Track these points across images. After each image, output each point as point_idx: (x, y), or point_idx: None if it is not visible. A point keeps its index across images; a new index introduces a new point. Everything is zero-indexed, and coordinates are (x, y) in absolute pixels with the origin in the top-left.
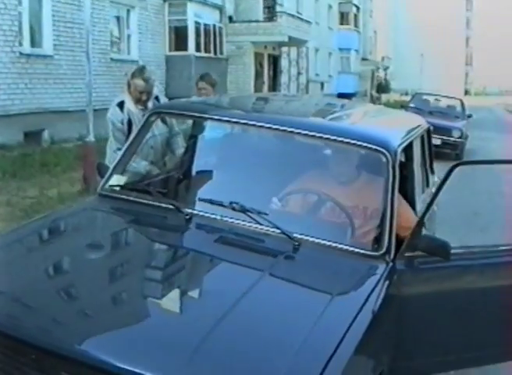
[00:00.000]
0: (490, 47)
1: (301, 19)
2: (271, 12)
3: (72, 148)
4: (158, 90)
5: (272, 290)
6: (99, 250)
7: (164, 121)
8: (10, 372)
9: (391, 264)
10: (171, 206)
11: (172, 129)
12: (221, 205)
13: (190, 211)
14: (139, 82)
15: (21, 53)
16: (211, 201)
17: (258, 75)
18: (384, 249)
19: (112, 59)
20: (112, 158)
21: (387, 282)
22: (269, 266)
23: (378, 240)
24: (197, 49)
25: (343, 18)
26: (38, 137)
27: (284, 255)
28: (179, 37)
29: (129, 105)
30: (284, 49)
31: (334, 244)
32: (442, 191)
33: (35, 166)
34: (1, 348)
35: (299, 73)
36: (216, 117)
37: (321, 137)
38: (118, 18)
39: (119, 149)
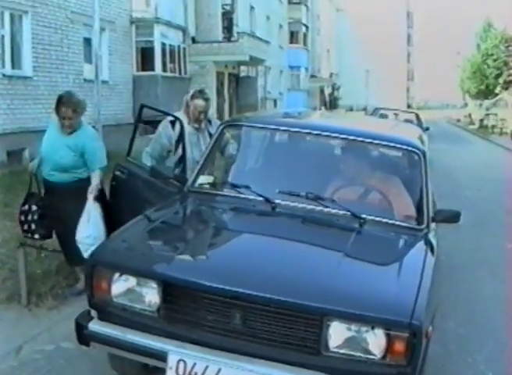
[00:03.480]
0: (430, 62)
1: (260, 39)
2: (229, 32)
3: None
4: (210, 113)
5: (359, 252)
6: (224, 227)
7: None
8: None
9: (428, 234)
10: (259, 198)
11: (227, 139)
12: (298, 195)
13: (277, 201)
14: (200, 102)
15: (4, 75)
16: (290, 193)
17: (219, 93)
18: (425, 224)
19: (85, 80)
20: (145, 158)
21: (430, 246)
22: (350, 236)
23: (420, 217)
24: (164, 69)
25: (293, 37)
26: (19, 156)
27: (356, 230)
28: (145, 57)
29: (184, 124)
30: (243, 68)
31: (390, 221)
32: None
33: None
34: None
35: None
36: (280, 128)
37: (371, 142)
38: (89, 40)
39: (147, 152)
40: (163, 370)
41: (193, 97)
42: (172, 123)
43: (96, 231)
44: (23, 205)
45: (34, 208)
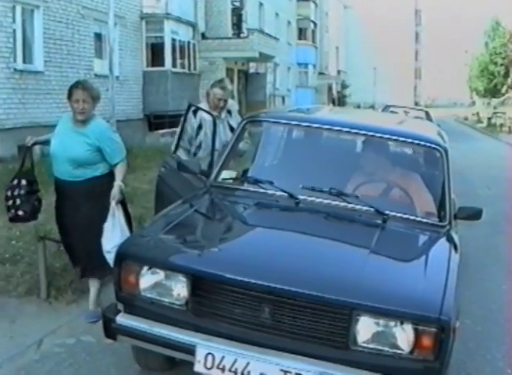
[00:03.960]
0: (438, 60)
1: (270, 36)
2: (238, 29)
3: None
4: (230, 104)
5: (385, 248)
6: (249, 222)
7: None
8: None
9: (451, 231)
10: (283, 193)
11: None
12: (321, 191)
13: (300, 196)
14: (217, 90)
15: (15, 69)
16: (313, 189)
17: None
18: (448, 220)
19: (95, 75)
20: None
21: (453, 242)
22: (374, 232)
23: (443, 214)
24: (173, 65)
25: (301, 33)
26: (30, 151)
27: (380, 226)
28: (155, 53)
29: (204, 112)
30: (252, 64)
31: (413, 218)
32: None
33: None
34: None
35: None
36: (302, 124)
37: (393, 139)
38: (100, 35)
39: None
40: (185, 363)
41: (212, 86)
42: (194, 112)
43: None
44: (12, 180)
45: (24, 182)
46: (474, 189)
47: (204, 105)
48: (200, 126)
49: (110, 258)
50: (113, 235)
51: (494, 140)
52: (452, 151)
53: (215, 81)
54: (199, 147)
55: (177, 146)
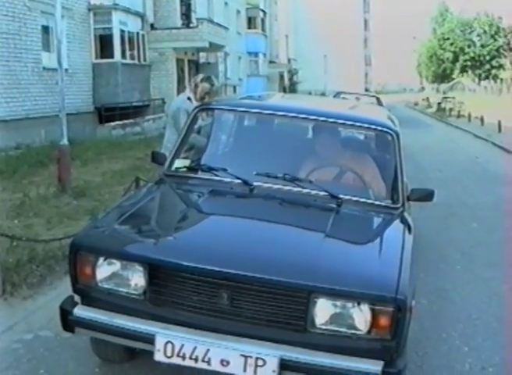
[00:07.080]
0: (388, 47)
1: (220, 25)
2: (188, 19)
3: (19, 156)
4: None
5: (340, 231)
6: (204, 210)
7: None
8: (178, 299)
9: (404, 212)
10: (237, 180)
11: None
12: (275, 177)
13: (254, 183)
14: (206, 85)
15: None
16: (267, 175)
17: (180, 80)
18: (400, 202)
19: (44, 68)
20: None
21: (406, 224)
22: (329, 216)
23: (396, 196)
24: (123, 56)
25: (251, 22)
26: None
27: (335, 209)
28: (104, 44)
29: (193, 101)
30: (202, 54)
31: (366, 201)
32: None
33: None
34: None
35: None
36: (256, 111)
37: (345, 124)
38: (47, 28)
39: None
40: (146, 353)
41: (202, 80)
42: (189, 98)
43: None
44: None
45: None
46: (425, 172)
47: (188, 93)
48: None
49: None
50: None
51: (444, 124)
52: (403, 136)
53: (204, 77)
54: None
55: None
